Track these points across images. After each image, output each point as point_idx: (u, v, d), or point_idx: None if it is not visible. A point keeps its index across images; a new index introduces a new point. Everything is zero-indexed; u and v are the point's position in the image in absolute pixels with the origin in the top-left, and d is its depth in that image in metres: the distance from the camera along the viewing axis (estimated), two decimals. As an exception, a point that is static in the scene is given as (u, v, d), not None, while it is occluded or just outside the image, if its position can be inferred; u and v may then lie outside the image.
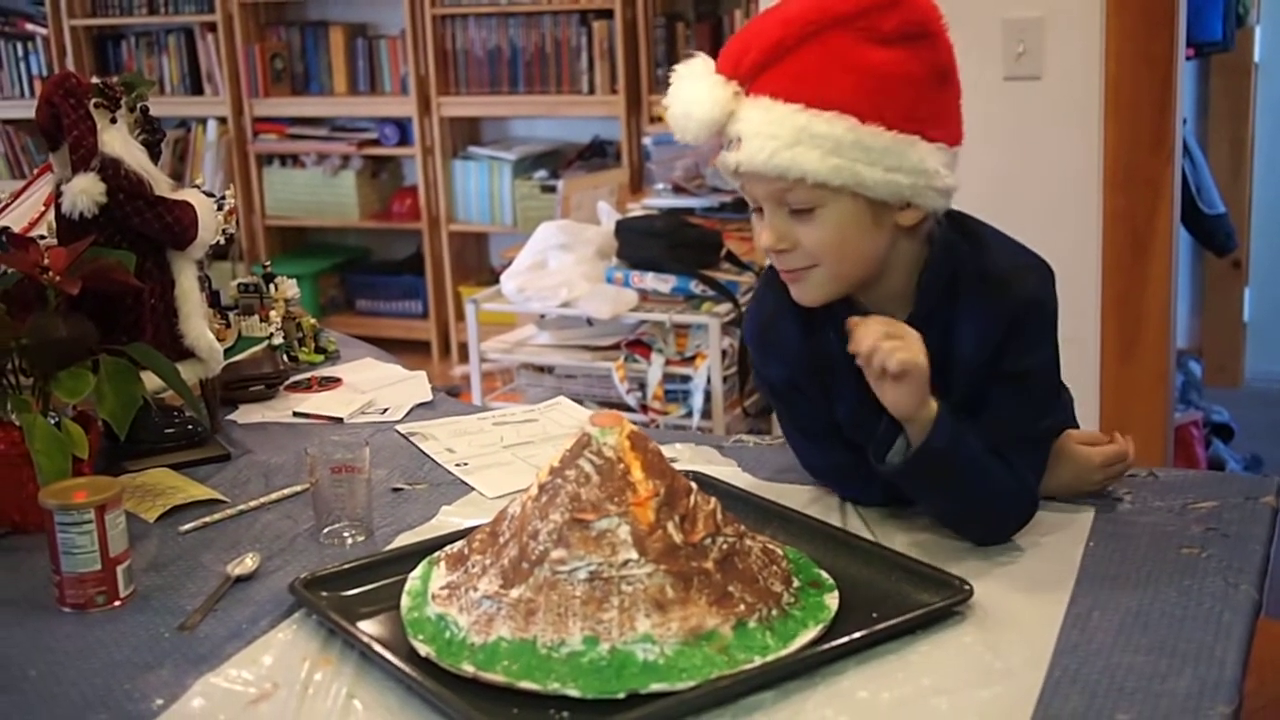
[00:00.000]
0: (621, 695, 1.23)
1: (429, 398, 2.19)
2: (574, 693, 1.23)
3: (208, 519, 1.72)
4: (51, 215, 1.94)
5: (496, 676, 1.26)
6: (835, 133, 1.41)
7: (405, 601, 1.41)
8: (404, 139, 5.64)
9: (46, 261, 1.68)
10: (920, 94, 1.45)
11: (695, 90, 1.46)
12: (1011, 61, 3.00)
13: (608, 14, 5.20)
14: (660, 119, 4.81)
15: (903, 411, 1.49)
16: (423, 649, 1.32)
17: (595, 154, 5.41)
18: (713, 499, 1.42)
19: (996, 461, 1.52)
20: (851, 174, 1.42)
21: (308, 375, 2.31)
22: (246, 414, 2.15)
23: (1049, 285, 1.55)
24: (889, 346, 1.45)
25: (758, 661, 1.28)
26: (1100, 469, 1.64)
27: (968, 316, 1.52)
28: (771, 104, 1.42)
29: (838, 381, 1.57)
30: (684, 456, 1.85)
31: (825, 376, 1.59)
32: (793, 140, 1.41)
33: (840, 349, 1.50)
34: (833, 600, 1.39)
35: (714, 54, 1.49)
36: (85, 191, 1.77)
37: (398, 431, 2.04)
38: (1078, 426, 1.74)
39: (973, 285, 1.52)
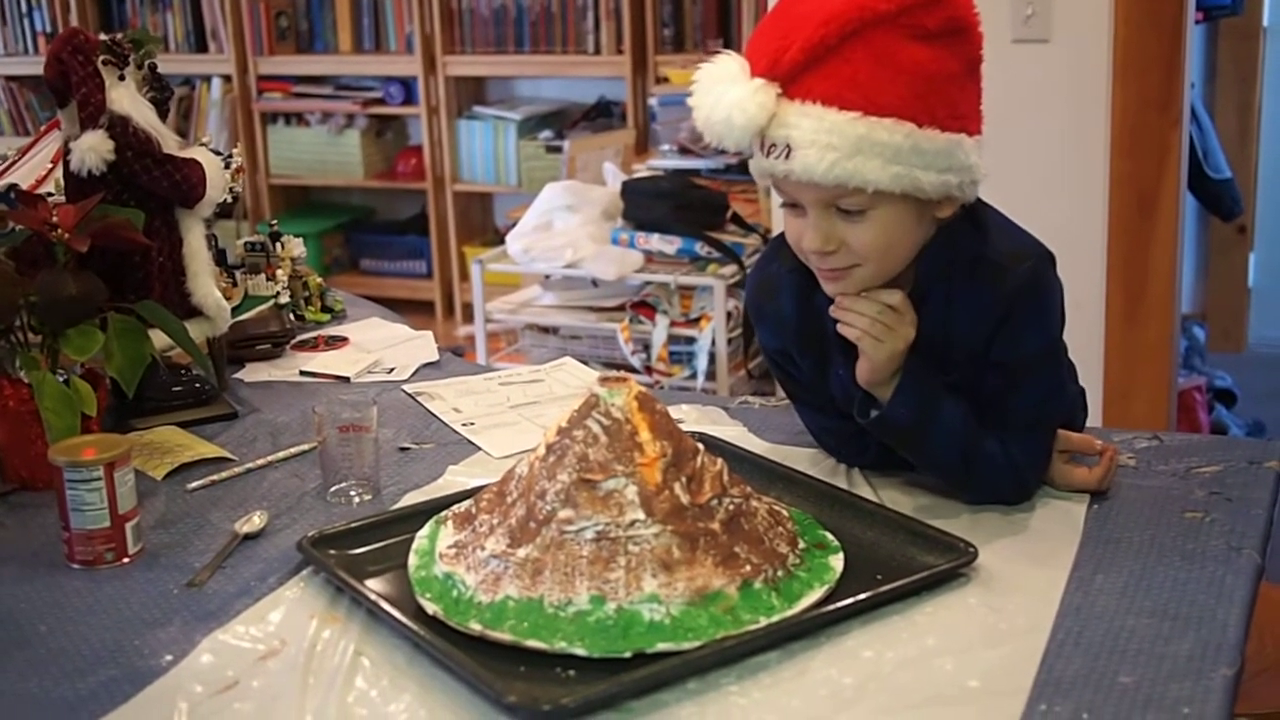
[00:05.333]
0: (627, 654, 1.24)
1: (435, 358, 2.19)
2: (580, 651, 1.24)
3: (215, 477, 1.73)
4: (59, 172, 1.94)
5: (503, 635, 1.27)
6: (895, 140, 1.37)
7: (412, 560, 1.42)
8: (409, 98, 5.61)
9: (55, 219, 1.68)
10: (961, 90, 1.43)
11: (735, 95, 1.39)
12: (1020, 24, 2.99)
13: (614, -27, 5.17)
14: (667, 79, 4.79)
15: (861, 380, 1.53)
16: (430, 607, 1.33)
17: (601, 114, 5.38)
18: (719, 460, 1.43)
19: (987, 438, 1.52)
20: (911, 180, 1.40)
21: (314, 334, 2.32)
22: (253, 372, 2.15)
23: (1046, 273, 1.51)
24: (848, 318, 1.50)
25: (763, 622, 1.29)
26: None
27: (963, 299, 1.51)
28: (824, 111, 1.37)
29: (831, 355, 1.58)
30: (690, 418, 1.85)
31: (820, 350, 1.59)
32: (853, 150, 1.37)
33: (835, 325, 1.52)
34: (838, 562, 1.40)
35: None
36: (94, 149, 1.77)
37: (404, 391, 2.04)
38: (1085, 417, 1.75)
39: (969, 269, 1.50)
